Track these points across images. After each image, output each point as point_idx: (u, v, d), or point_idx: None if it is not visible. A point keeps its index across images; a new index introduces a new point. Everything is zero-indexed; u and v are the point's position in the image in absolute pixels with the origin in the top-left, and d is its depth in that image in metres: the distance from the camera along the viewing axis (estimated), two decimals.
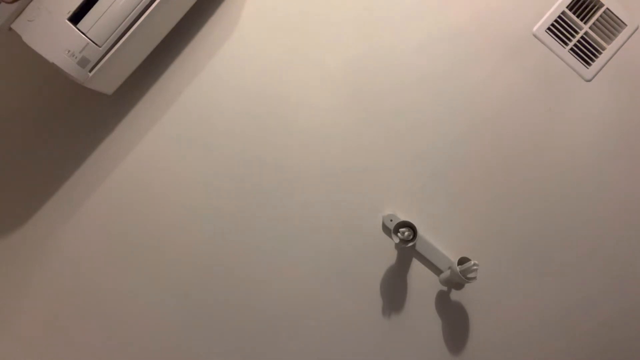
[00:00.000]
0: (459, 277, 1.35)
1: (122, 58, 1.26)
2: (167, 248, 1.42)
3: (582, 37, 1.56)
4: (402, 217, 1.48)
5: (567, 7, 1.55)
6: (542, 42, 1.55)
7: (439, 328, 1.50)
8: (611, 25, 1.57)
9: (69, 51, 1.17)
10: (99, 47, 1.20)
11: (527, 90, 1.54)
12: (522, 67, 1.54)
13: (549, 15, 1.55)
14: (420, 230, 1.46)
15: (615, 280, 1.56)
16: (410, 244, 1.40)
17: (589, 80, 1.57)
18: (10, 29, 1.15)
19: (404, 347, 1.49)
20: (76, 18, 1.18)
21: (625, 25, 1.57)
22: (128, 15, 1.21)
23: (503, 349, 1.52)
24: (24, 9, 1.14)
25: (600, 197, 1.56)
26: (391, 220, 1.46)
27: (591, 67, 1.56)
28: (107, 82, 1.30)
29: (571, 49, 1.56)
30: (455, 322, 1.51)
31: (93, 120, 1.42)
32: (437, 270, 1.50)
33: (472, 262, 1.34)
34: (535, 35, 1.55)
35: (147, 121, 1.43)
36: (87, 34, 1.18)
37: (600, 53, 1.56)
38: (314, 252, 1.47)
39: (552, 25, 1.55)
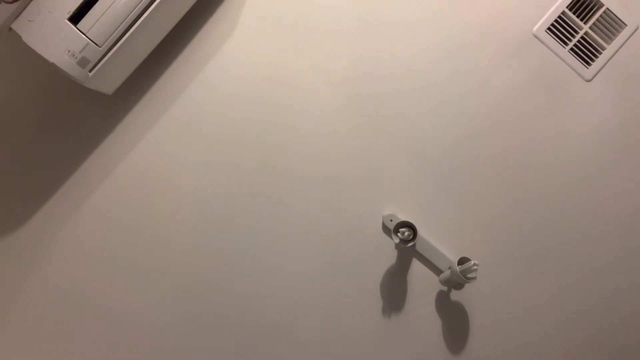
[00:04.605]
0: (459, 277, 1.35)
1: (122, 58, 1.26)
2: (166, 248, 1.42)
3: (582, 37, 1.56)
4: (402, 217, 1.48)
5: (567, 7, 1.55)
6: (542, 42, 1.55)
7: (439, 328, 1.50)
8: (611, 25, 1.57)
9: (69, 51, 1.17)
10: (99, 47, 1.20)
11: (527, 90, 1.54)
12: (522, 67, 1.54)
13: (549, 15, 1.55)
14: (420, 230, 1.46)
15: (616, 279, 1.56)
16: (410, 244, 1.40)
17: (589, 80, 1.57)
18: (10, 29, 1.15)
19: (404, 347, 1.49)
20: (76, 18, 1.18)
21: (625, 25, 1.57)
22: (128, 15, 1.21)
23: (503, 349, 1.52)
24: (24, 9, 1.14)
25: (600, 197, 1.56)
26: (391, 220, 1.46)
27: (591, 67, 1.56)
28: (107, 82, 1.30)
29: (571, 49, 1.56)
30: (455, 322, 1.51)
31: (93, 120, 1.42)
32: (437, 270, 1.50)
33: (472, 262, 1.34)
34: (535, 35, 1.55)
35: (147, 121, 1.43)
36: (87, 34, 1.18)
37: (600, 53, 1.56)
38: (315, 252, 1.47)
39: (552, 25, 1.55)
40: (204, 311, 1.43)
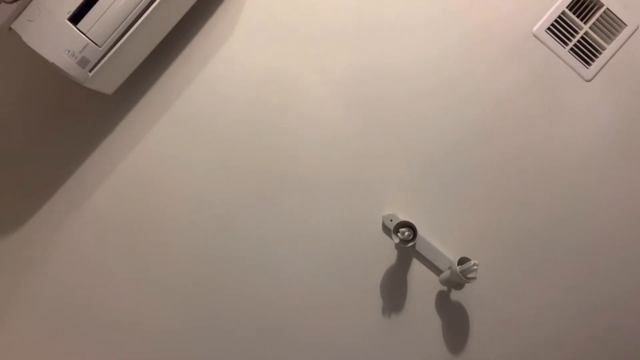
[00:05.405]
0: (459, 277, 1.35)
1: (122, 58, 1.26)
2: (166, 249, 1.42)
3: (582, 37, 1.56)
4: (402, 217, 1.48)
5: (567, 7, 1.55)
6: (542, 42, 1.55)
7: (439, 328, 1.50)
8: (611, 25, 1.57)
9: (69, 51, 1.17)
10: (99, 47, 1.20)
11: (527, 90, 1.54)
12: (522, 67, 1.54)
13: (549, 15, 1.55)
14: (420, 230, 1.46)
15: (615, 279, 1.56)
16: (410, 244, 1.40)
17: (589, 80, 1.57)
18: (10, 29, 1.15)
19: (404, 347, 1.49)
20: (76, 18, 1.18)
21: (625, 25, 1.57)
22: (128, 15, 1.21)
23: (503, 349, 1.52)
24: (24, 9, 1.14)
25: (600, 197, 1.56)
26: (391, 220, 1.46)
27: (591, 67, 1.56)
28: (107, 82, 1.30)
29: (571, 49, 1.56)
30: (455, 322, 1.51)
31: (93, 120, 1.42)
32: (437, 270, 1.50)
33: (472, 262, 1.34)
34: (535, 35, 1.55)
35: (147, 121, 1.43)
36: (87, 34, 1.18)
37: (600, 53, 1.56)
38: (314, 252, 1.47)
39: (552, 25, 1.55)
40: (204, 312, 1.43)
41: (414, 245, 1.46)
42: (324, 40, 1.48)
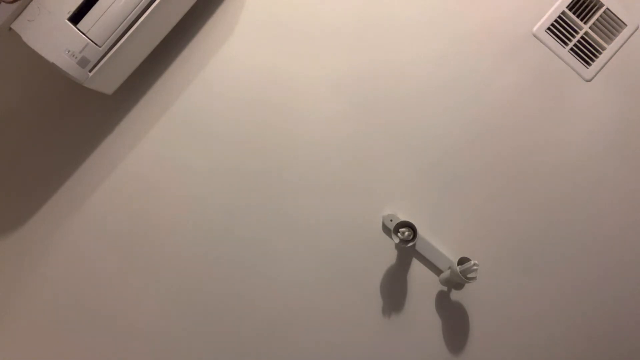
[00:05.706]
0: (459, 277, 1.35)
1: (122, 58, 1.26)
2: (166, 248, 1.42)
3: (582, 37, 1.56)
4: (402, 217, 1.48)
5: (567, 7, 1.55)
6: (542, 42, 1.55)
7: (439, 328, 1.50)
8: (611, 25, 1.57)
9: (69, 51, 1.17)
10: (99, 47, 1.20)
11: (527, 90, 1.54)
12: (522, 67, 1.54)
13: (549, 15, 1.55)
14: (420, 230, 1.46)
15: (615, 278, 1.56)
16: (410, 244, 1.40)
17: (589, 80, 1.57)
18: (10, 29, 1.15)
19: (404, 347, 1.49)
20: (76, 18, 1.18)
21: (625, 25, 1.57)
22: (128, 15, 1.21)
23: (503, 349, 1.52)
24: (24, 9, 1.15)
25: (599, 197, 1.56)
26: (391, 220, 1.46)
27: (591, 67, 1.56)
28: (107, 82, 1.30)
29: (571, 49, 1.56)
30: (455, 322, 1.51)
31: (93, 120, 1.42)
32: (437, 270, 1.50)
33: (472, 262, 1.34)
34: (535, 35, 1.55)
35: (147, 121, 1.43)
36: (87, 34, 1.18)
37: (600, 53, 1.56)
38: (315, 252, 1.47)
39: (552, 25, 1.55)
40: (204, 312, 1.43)
41: (414, 245, 1.46)
42: (324, 40, 1.48)
